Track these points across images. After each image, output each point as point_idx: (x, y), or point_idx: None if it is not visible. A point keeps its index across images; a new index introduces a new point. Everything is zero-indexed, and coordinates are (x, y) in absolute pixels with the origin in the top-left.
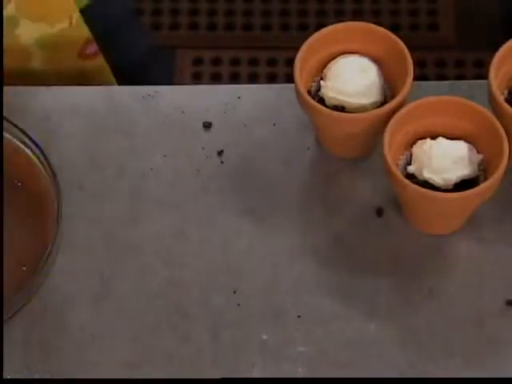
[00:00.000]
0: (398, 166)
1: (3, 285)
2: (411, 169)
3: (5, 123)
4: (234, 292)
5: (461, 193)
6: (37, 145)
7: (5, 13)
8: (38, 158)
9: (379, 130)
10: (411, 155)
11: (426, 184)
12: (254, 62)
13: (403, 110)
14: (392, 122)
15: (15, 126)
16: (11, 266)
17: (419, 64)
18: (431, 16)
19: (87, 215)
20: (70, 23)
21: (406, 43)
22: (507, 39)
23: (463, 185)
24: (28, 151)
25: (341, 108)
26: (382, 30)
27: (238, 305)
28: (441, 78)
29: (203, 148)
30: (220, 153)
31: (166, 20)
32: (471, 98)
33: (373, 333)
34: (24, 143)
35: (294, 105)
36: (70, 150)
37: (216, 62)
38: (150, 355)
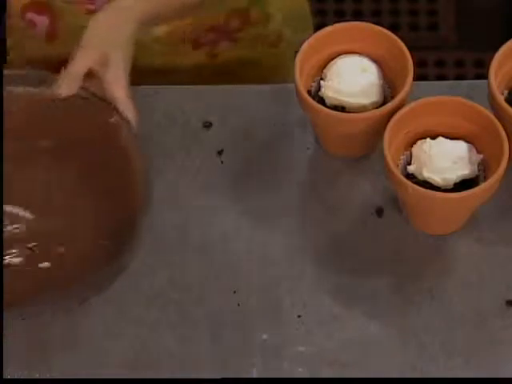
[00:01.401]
0: (398, 166)
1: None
2: (411, 169)
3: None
4: (234, 292)
5: (461, 193)
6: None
7: None
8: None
9: (379, 130)
10: (411, 155)
11: (426, 184)
12: None
13: (403, 110)
14: (392, 122)
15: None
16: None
17: (419, 64)
18: (431, 16)
19: None
20: None
21: (406, 43)
22: (507, 39)
23: (463, 185)
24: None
25: (341, 108)
26: (382, 29)
27: (238, 305)
28: (441, 78)
29: (203, 148)
30: (220, 153)
31: None
32: (471, 98)
33: (373, 333)
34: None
35: (294, 105)
36: None
37: None
38: (150, 355)
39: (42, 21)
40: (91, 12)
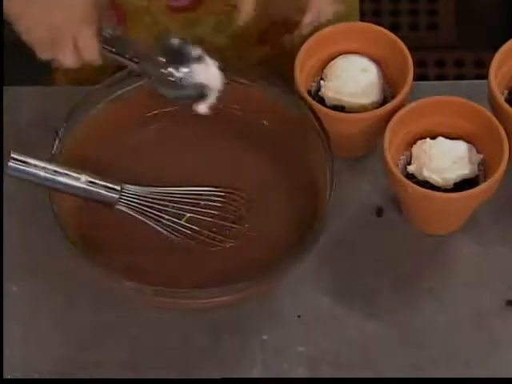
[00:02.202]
0: (398, 166)
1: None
2: (411, 168)
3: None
4: None
5: (461, 193)
6: (319, 120)
7: None
8: (320, 135)
9: (379, 129)
10: (411, 155)
11: (426, 183)
12: None
13: (403, 110)
14: (392, 121)
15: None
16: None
17: (419, 64)
18: (431, 16)
19: None
20: None
21: (405, 43)
22: (507, 39)
23: (463, 184)
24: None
25: (341, 108)
26: (382, 29)
27: (239, 305)
28: (441, 78)
29: None
30: None
31: None
32: (471, 98)
33: (373, 332)
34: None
35: None
36: None
37: None
38: (150, 355)
39: (110, 16)
40: (175, 9)
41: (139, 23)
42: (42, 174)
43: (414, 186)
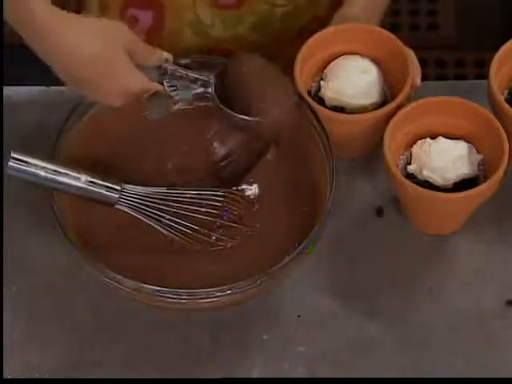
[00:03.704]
0: (398, 166)
1: None
2: (411, 168)
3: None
4: None
5: (461, 193)
6: (319, 121)
7: None
8: (320, 135)
9: (379, 130)
10: (411, 155)
11: (426, 183)
12: None
13: (403, 111)
14: (392, 122)
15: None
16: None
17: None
18: (431, 16)
19: None
20: None
21: (405, 43)
22: (507, 39)
23: (463, 184)
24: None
25: (340, 109)
26: (382, 30)
27: (238, 305)
28: (441, 78)
29: None
30: None
31: None
32: (471, 98)
33: (373, 333)
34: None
35: None
36: None
37: None
38: (150, 355)
39: (146, 16)
40: (221, 7)
41: (180, 21)
42: (42, 173)
43: (414, 185)
